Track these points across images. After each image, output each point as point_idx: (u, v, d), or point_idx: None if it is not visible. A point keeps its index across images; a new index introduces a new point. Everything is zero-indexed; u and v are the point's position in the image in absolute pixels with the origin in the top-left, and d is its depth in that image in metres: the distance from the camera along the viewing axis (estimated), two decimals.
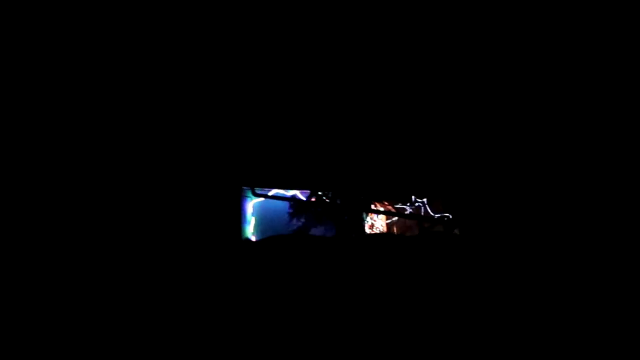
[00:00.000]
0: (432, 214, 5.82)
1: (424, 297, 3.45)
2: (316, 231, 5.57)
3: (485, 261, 3.63)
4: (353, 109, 4.00)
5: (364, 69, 3.73)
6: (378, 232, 6.43)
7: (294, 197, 5.41)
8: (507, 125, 3.83)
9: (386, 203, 6.23)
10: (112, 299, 2.93)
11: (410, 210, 6.13)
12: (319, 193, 5.41)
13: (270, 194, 5.19)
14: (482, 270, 3.55)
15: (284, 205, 5.52)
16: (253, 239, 5.19)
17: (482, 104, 3.87)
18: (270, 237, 4.44)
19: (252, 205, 5.35)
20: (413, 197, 5.94)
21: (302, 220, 5.56)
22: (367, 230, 6.25)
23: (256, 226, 5.32)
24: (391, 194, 5.78)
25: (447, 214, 5.54)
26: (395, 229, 6.53)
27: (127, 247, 3.13)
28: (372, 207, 6.00)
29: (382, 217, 6.48)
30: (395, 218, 6.36)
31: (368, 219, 6.35)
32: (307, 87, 3.82)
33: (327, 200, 5.45)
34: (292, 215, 5.55)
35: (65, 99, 3.18)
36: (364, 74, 3.76)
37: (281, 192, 5.29)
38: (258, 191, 4.91)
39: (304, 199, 5.49)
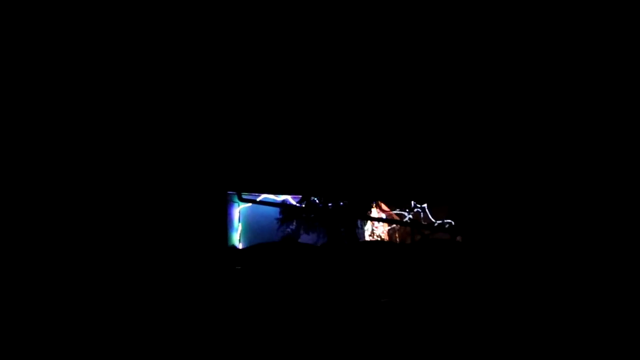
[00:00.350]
0: (432, 220, 5.67)
1: (417, 311, 3.38)
2: (307, 238, 5.51)
3: (490, 272, 3.51)
4: (347, 109, 3.84)
5: (357, 66, 3.59)
6: (378, 239, 6.39)
7: (284, 202, 5.26)
8: (516, 128, 3.68)
9: (386, 209, 6.13)
10: (88, 309, 2.81)
11: (409, 216, 5.97)
12: (312, 198, 5.26)
13: (258, 199, 5.04)
14: (487, 282, 3.46)
15: (274, 211, 5.43)
16: (240, 246, 5.11)
17: (484, 105, 3.70)
18: (258, 244, 4.33)
19: (238, 211, 5.27)
20: (413, 202, 5.79)
21: (293, 226, 5.52)
22: (368, 237, 6.18)
23: (243, 233, 5.24)
24: (389, 199, 5.67)
25: (449, 220, 5.37)
26: (397, 235, 6.40)
27: (101, 258, 2.97)
28: (369, 213, 5.86)
29: (384, 223, 6.40)
30: (395, 225, 6.24)
31: (368, 225, 6.27)
32: (299, 84, 3.66)
33: (320, 206, 5.32)
34: (281, 222, 5.49)
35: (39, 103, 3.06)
36: (358, 70, 3.61)
37: (270, 197, 5.14)
38: (245, 196, 4.76)
39: (295, 204, 5.34)
